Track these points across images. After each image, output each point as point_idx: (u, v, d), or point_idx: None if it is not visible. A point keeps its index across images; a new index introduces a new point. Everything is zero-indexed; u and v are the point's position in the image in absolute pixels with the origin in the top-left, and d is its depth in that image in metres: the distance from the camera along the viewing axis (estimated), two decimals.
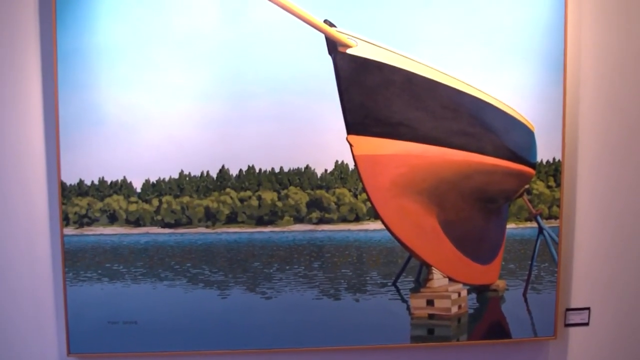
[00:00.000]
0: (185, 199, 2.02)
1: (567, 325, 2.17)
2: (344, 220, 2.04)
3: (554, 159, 2.06)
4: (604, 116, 2.10)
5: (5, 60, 1.99)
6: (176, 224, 2.03)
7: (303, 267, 2.04)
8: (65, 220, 2.00)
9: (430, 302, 2.04)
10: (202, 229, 2.03)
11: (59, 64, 1.95)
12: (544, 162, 2.06)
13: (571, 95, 2.08)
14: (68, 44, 1.95)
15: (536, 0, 2.02)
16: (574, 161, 2.10)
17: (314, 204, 2.03)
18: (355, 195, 2.03)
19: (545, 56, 2.03)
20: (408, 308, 2.04)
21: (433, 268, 2.03)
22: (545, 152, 2.05)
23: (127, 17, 1.96)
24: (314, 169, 2.01)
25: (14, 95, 2.00)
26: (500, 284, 2.09)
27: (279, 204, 2.03)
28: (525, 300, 2.09)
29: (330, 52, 1.93)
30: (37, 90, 2.01)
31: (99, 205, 2.01)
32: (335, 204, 2.03)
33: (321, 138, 1.98)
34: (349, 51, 1.93)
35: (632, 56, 2.10)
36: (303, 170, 2.01)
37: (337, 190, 2.02)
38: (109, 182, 2.00)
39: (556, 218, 2.08)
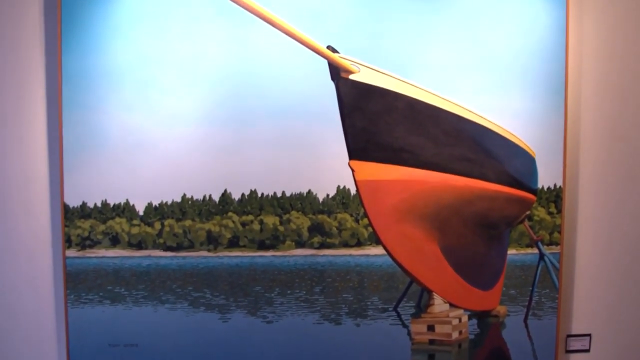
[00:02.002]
0: (188, 222, 2.02)
1: (568, 351, 2.17)
2: (345, 245, 2.04)
3: (555, 185, 2.06)
4: (605, 143, 2.11)
5: (11, 81, 2.01)
6: (178, 248, 2.04)
7: (304, 292, 2.04)
8: (68, 242, 2.01)
9: (431, 328, 2.04)
10: (204, 253, 2.04)
11: (64, 85, 1.97)
12: (545, 188, 2.07)
13: (572, 121, 2.09)
14: (73, 66, 1.97)
15: (537, 27, 2.03)
16: (574, 188, 2.11)
17: (316, 228, 2.04)
18: (357, 220, 2.04)
19: (546, 82, 2.04)
20: (409, 333, 2.04)
21: (434, 293, 2.03)
22: (546, 178, 2.06)
23: (132, 41, 1.98)
24: (316, 194, 2.02)
25: (19, 116, 2.02)
26: (501, 309, 2.09)
27: (281, 228, 2.04)
28: (526, 326, 2.09)
29: (333, 78, 1.95)
30: (42, 111, 2.02)
31: (102, 227, 2.02)
32: (337, 228, 2.04)
33: (323, 163, 1.99)
34: (351, 77, 1.94)
35: (633, 82, 2.12)
36: (305, 194, 2.01)
37: (339, 215, 2.03)
38: (111, 205, 2.01)
39: (557, 244, 2.08)
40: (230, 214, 2.02)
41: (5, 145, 2.01)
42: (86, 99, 1.98)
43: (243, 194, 2.01)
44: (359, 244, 2.04)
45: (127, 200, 2.01)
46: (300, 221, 2.03)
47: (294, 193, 2.01)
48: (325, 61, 1.93)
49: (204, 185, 2.00)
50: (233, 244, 2.04)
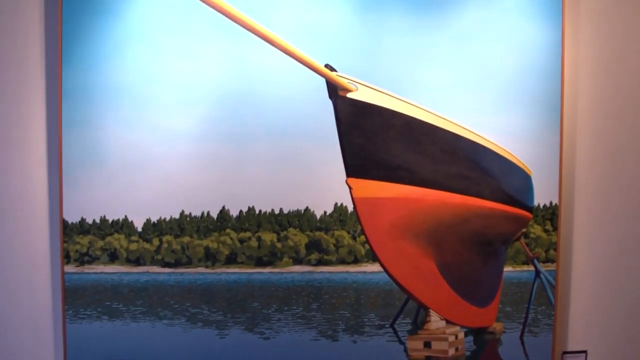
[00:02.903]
0: (186, 238, 2.04)
1: None
2: (342, 262, 2.05)
3: (550, 203, 2.08)
4: (601, 161, 2.13)
5: (12, 97, 2.02)
6: (176, 264, 2.05)
7: (301, 308, 2.05)
8: (66, 257, 2.02)
9: (427, 344, 2.05)
10: (202, 269, 2.05)
11: (64, 102, 1.98)
12: (541, 206, 2.08)
13: (568, 140, 2.11)
14: (73, 83, 1.99)
15: (533, 46, 2.05)
16: (570, 205, 2.13)
17: (313, 245, 2.05)
18: (354, 238, 2.05)
19: (542, 101, 2.06)
20: (405, 350, 2.05)
21: (430, 310, 2.04)
22: (542, 196, 2.07)
23: (132, 58, 1.99)
24: (314, 211, 2.03)
25: (19, 131, 2.03)
26: (498, 326, 2.10)
27: (279, 245, 2.05)
28: (522, 343, 2.10)
29: (330, 96, 1.96)
30: (42, 127, 2.03)
31: (100, 243, 2.03)
32: (334, 245, 2.05)
33: (321, 180, 2.00)
34: (349, 95, 1.96)
35: (628, 100, 2.13)
36: (302, 212, 2.03)
37: (336, 232, 2.04)
38: (110, 221, 2.02)
39: (553, 261, 2.09)
40: (228, 230, 2.03)
41: (5, 161, 2.03)
42: (86, 115, 2.00)
43: (241, 211, 2.03)
44: (356, 261, 2.05)
45: (125, 216, 2.02)
46: (298, 238, 2.04)
47: (291, 210, 2.03)
48: (323, 79, 1.95)
49: (202, 202, 2.01)
50: (231, 260, 2.05)
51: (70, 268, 2.02)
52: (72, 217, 2.01)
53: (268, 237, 2.04)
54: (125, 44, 1.99)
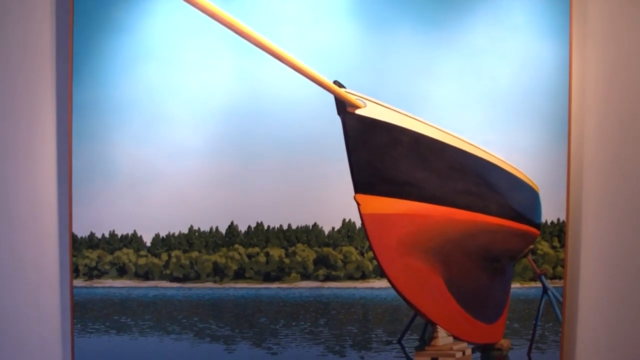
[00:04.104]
0: (194, 254, 2.05)
1: None
2: (350, 277, 2.06)
3: (558, 219, 2.08)
4: (608, 177, 2.13)
5: (23, 112, 2.04)
6: (184, 279, 2.06)
7: (309, 324, 2.05)
8: (76, 271, 2.03)
9: None
10: (210, 284, 2.05)
11: (74, 117, 2.00)
12: (549, 222, 2.08)
13: (575, 156, 2.11)
14: (83, 99, 2.01)
15: (540, 63, 2.06)
16: (578, 222, 2.13)
17: (321, 261, 2.06)
18: (362, 253, 2.05)
19: (550, 118, 2.06)
20: None
21: (438, 326, 2.04)
22: (549, 212, 2.08)
23: (141, 74, 2.02)
24: (322, 227, 2.04)
25: (30, 146, 2.05)
26: (505, 343, 2.09)
27: (287, 260, 2.06)
28: None
29: (339, 112, 1.97)
30: (52, 142, 2.05)
31: (109, 258, 2.04)
32: (342, 261, 2.06)
33: (329, 196, 2.01)
34: (357, 112, 1.97)
35: (635, 117, 2.14)
36: (311, 227, 2.04)
37: (344, 248, 2.05)
38: (119, 236, 2.03)
39: (560, 278, 2.09)
40: (236, 246, 2.04)
41: (16, 176, 2.04)
42: (96, 131, 2.02)
43: (249, 226, 2.04)
44: (364, 277, 2.06)
45: (134, 231, 2.03)
46: (306, 254, 2.05)
47: (299, 226, 2.04)
48: (332, 96, 1.96)
49: (211, 217, 2.03)
50: (239, 275, 2.06)
51: (79, 282, 2.03)
52: (81, 232, 2.02)
53: (276, 252, 2.05)
54: (136, 60, 2.02)
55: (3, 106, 2.04)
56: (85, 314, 2.03)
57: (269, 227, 2.04)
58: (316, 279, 2.06)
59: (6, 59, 2.03)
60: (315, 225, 2.04)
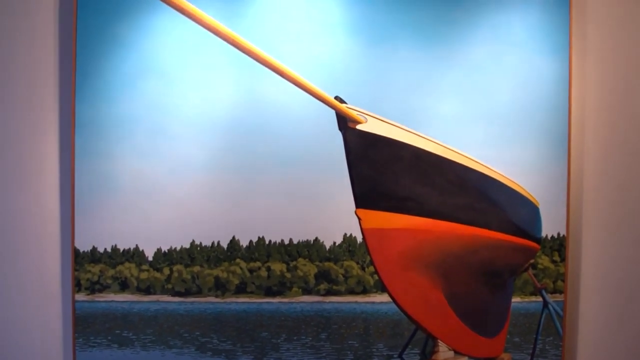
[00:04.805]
0: (196, 268, 2.05)
1: None
2: (351, 292, 2.07)
3: (558, 234, 2.09)
4: (608, 192, 2.14)
5: (25, 127, 2.05)
6: (186, 293, 2.07)
7: (310, 338, 2.06)
8: (78, 286, 2.04)
9: None
10: (212, 298, 2.06)
11: (76, 132, 2.01)
12: (549, 237, 2.09)
13: (575, 171, 2.12)
14: (86, 114, 2.02)
15: (541, 79, 2.07)
16: (578, 236, 2.14)
17: (322, 275, 2.07)
18: (363, 268, 2.06)
19: (549, 133, 2.08)
20: None
21: (439, 341, 2.05)
22: (549, 227, 2.09)
23: (143, 90, 2.03)
24: (323, 242, 2.05)
25: (32, 162, 2.06)
26: (506, 357, 2.10)
27: (288, 275, 2.06)
28: None
29: (340, 128, 1.99)
30: (55, 157, 2.06)
31: (111, 272, 2.05)
32: (343, 276, 2.07)
33: (330, 211, 2.02)
34: (358, 127, 1.98)
35: (635, 133, 2.15)
36: (312, 242, 2.05)
37: (345, 263, 2.06)
38: (121, 250, 2.04)
39: (561, 292, 2.10)
40: (238, 260, 2.05)
41: (18, 191, 2.05)
42: (98, 146, 2.03)
43: (251, 241, 2.05)
44: (365, 291, 2.07)
45: (136, 245, 2.04)
46: (307, 268, 2.06)
47: (301, 240, 2.05)
48: (333, 111, 1.97)
49: (213, 232, 2.03)
50: (240, 290, 2.07)
51: (81, 296, 2.04)
52: (83, 246, 2.03)
53: (278, 267, 2.06)
54: (138, 76, 2.02)
55: (6, 122, 2.05)
56: (87, 327, 2.04)
57: (270, 241, 2.04)
58: (317, 293, 2.07)
59: (9, 74, 2.04)
60: (316, 240, 2.04)
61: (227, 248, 2.04)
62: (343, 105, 1.97)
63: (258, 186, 2.02)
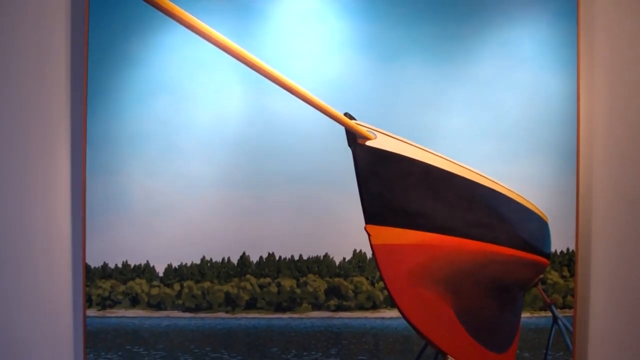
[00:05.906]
0: (206, 284, 2.06)
1: None
2: (361, 308, 2.07)
3: (567, 249, 2.09)
4: (617, 207, 2.14)
5: (37, 144, 2.07)
6: (197, 309, 2.07)
7: (320, 354, 2.06)
8: (89, 301, 2.05)
9: None
10: (222, 314, 2.07)
11: (88, 149, 2.03)
12: (558, 252, 2.10)
13: (584, 187, 2.12)
14: (97, 131, 2.03)
15: (549, 95, 2.08)
16: (587, 251, 2.14)
17: (332, 291, 2.07)
18: (373, 284, 2.07)
19: (558, 148, 2.09)
20: None
21: (449, 356, 2.05)
22: (559, 242, 2.09)
23: (154, 107, 2.04)
24: (333, 257, 2.06)
25: (44, 178, 2.07)
26: None
27: (298, 290, 2.07)
28: None
29: (349, 144, 2.00)
30: (66, 174, 2.08)
31: (122, 288, 2.06)
32: (353, 291, 2.07)
33: (340, 227, 2.03)
34: (368, 143, 2.00)
35: None
36: (322, 258, 2.05)
37: (355, 279, 2.07)
38: (132, 266, 2.05)
39: (570, 307, 2.10)
40: (248, 276, 2.06)
41: (30, 207, 2.07)
42: (109, 162, 2.04)
43: (261, 257, 2.06)
44: (375, 307, 2.07)
45: (147, 261, 2.05)
46: (317, 284, 2.07)
47: (311, 256, 2.05)
48: (343, 128, 1.99)
49: (223, 248, 2.05)
50: (251, 305, 2.07)
51: (92, 312, 2.05)
52: (94, 262, 2.04)
53: (287, 282, 2.07)
54: (149, 93, 2.04)
55: (18, 139, 2.06)
56: (98, 343, 2.05)
57: (280, 257, 2.05)
58: (327, 309, 2.07)
59: (22, 92, 2.06)
60: (326, 255, 2.05)
61: (237, 264, 2.05)
62: (352, 122, 1.98)
63: (268, 202, 2.03)
